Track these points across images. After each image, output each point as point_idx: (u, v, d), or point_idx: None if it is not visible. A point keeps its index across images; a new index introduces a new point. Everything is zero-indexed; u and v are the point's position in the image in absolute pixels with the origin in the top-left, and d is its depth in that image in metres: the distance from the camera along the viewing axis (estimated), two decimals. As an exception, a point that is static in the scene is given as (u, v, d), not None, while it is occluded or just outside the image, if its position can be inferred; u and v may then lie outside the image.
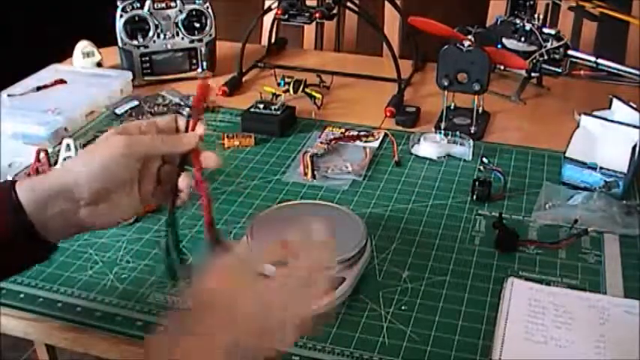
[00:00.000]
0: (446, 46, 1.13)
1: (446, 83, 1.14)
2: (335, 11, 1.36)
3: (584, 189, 1.00)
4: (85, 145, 1.12)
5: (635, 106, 1.06)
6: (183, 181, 0.72)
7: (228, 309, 0.58)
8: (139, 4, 1.35)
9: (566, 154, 1.02)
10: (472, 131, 1.17)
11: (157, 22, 1.36)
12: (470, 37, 1.15)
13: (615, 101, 1.09)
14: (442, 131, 1.15)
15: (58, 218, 0.66)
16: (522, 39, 1.30)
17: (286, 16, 1.32)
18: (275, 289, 0.60)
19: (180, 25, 1.38)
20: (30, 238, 0.66)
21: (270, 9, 1.46)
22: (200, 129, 0.72)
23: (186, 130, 0.72)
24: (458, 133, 1.13)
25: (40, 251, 0.68)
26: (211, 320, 0.57)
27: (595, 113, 1.05)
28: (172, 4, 1.37)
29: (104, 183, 0.67)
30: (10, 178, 0.99)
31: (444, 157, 1.12)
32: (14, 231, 0.65)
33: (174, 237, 0.71)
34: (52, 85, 1.31)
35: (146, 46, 1.37)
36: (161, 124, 0.72)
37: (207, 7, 1.39)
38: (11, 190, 0.65)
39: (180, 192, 0.72)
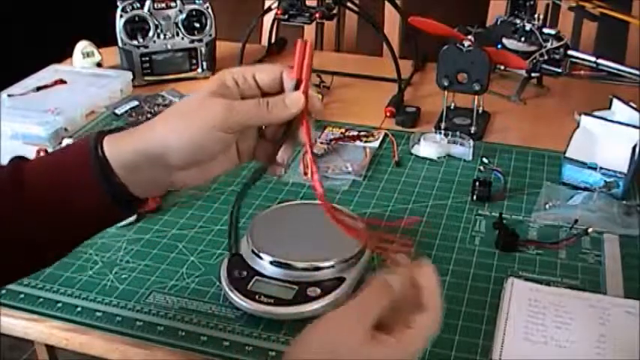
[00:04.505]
0: (446, 46, 1.13)
1: (446, 83, 1.14)
2: (335, 11, 1.36)
3: (584, 189, 1.00)
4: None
5: (635, 106, 1.06)
6: (285, 153, 0.64)
7: None
8: (139, 4, 1.35)
9: (566, 154, 1.02)
10: (472, 131, 1.17)
11: (156, 22, 1.36)
12: (470, 37, 1.15)
13: (615, 101, 1.09)
14: (442, 131, 1.15)
15: (149, 181, 0.62)
16: (522, 39, 1.30)
17: (286, 16, 1.32)
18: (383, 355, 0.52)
19: (180, 25, 1.38)
20: (124, 201, 0.61)
21: (270, 9, 1.46)
22: (316, 101, 0.62)
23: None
24: (458, 133, 1.13)
25: (131, 209, 0.64)
26: None
27: (595, 113, 1.05)
28: (172, 4, 1.37)
29: (197, 156, 0.61)
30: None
31: (444, 157, 1.11)
32: (109, 198, 0.60)
33: (236, 214, 0.64)
34: (52, 85, 1.31)
35: (146, 46, 1.37)
36: (264, 81, 0.62)
37: (207, 7, 1.39)
38: (98, 150, 0.60)
39: (280, 165, 0.65)
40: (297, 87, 0.63)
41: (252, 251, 0.82)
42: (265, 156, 0.65)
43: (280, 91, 0.63)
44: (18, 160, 0.63)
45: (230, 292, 0.79)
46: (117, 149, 0.61)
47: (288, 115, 0.62)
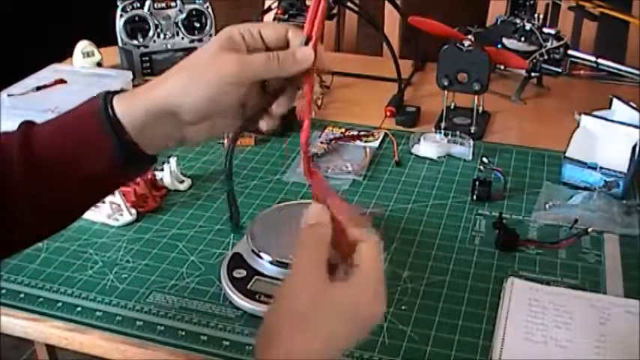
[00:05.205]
0: (446, 46, 1.13)
1: (446, 83, 1.14)
2: (335, 11, 1.37)
3: (584, 189, 1.00)
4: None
5: (635, 106, 1.06)
6: (280, 106, 0.63)
7: (301, 319, 0.52)
8: (139, 4, 1.35)
9: (566, 154, 1.02)
10: (472, 131, 1.17)
11: (156, 22, 1.36)
12: (470, 37, 1.15)
13: (615, 101, 1.09)
14: (442, 131, 1.15)
15: (160, 138, 0.62)
16: (522, 39, 1.30)
17: (286, 16, 1.32)
18: (348, 294, 0.53)
19: (180, 24, 1.38)
20: (134, 160, 0.62)
21: (270, 9, 1.46)
22: (323, 57, 0.62)
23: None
24: (458, 133, 1.13)
25: (142, 165, 0.64)
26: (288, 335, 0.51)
27: (595, 113, 1.05)
28: (172, 4, 1.37)
29: (210, 111, 0.61)
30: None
31: (444, 157, 1.11)
32: (121, 159, 0.60)
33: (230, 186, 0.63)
34: (52, 85, 1.31)
35: (146, 46, 1.37)
36: (270, 37, 0.63)
37: (207, 7, 1.39)
38: (109, 111, 0.60)
39: (272, 118, 0.64)
40: (306, 43, 0.62)
41: (252, 251, 0.83)
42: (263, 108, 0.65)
43: (284, 48, 0.63)
44: (27, 125, 0.63)
45: (230, 292, 0.79)
46: (129, 109, 0.61)
47: (298, 70, 0.61)
